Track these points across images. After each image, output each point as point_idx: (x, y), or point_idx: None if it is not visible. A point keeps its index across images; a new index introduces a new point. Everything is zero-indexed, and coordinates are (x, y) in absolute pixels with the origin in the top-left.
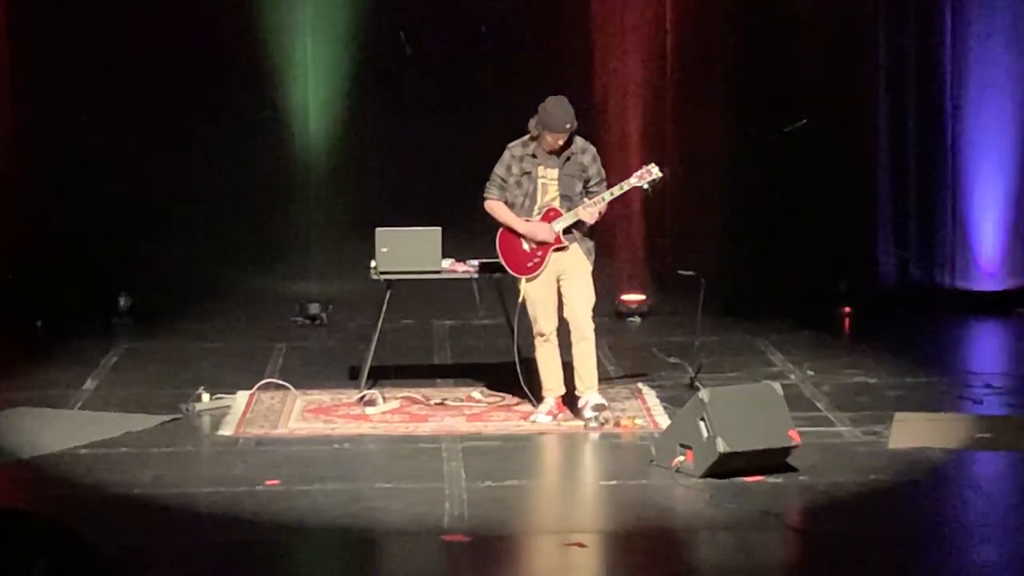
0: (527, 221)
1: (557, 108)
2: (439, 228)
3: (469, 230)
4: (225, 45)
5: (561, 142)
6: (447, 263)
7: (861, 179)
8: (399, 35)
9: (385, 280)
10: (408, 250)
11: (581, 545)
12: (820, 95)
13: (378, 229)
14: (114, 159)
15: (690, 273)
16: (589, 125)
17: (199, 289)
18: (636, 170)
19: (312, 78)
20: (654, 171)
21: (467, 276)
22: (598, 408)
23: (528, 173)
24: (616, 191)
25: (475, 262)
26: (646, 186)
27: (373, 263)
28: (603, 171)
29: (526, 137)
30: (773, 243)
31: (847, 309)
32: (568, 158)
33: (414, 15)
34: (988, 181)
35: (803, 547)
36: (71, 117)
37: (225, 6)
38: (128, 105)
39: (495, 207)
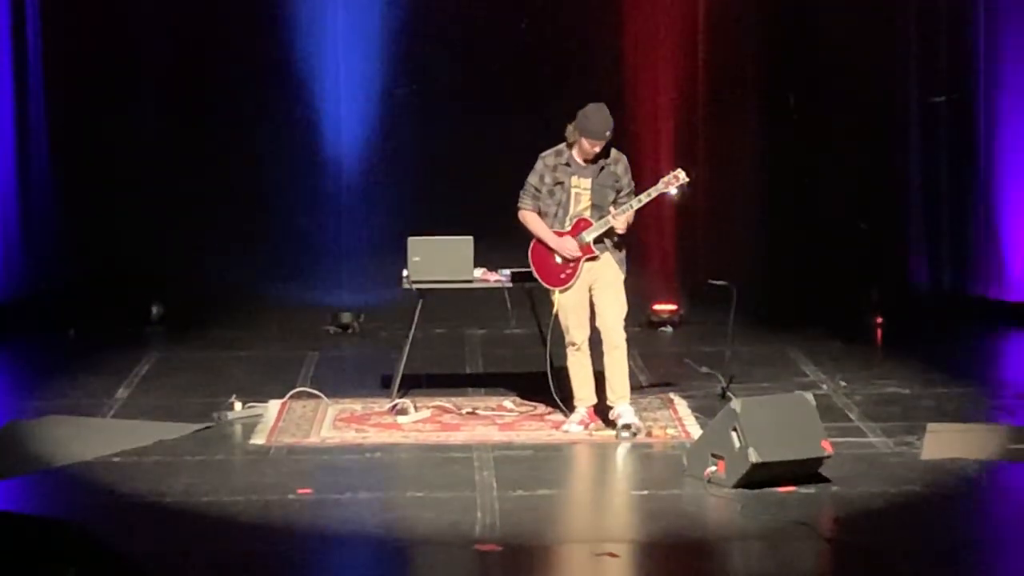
0: (558, 235)
1: (597, 115)
2: (471, 237)
3: (501, 239)
4: (258, 54)
5: (598, 149)
6: (479, 272)
7: (893, 188)
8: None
9: (417, 289)
10: (440, 259)
11: (613, 555)
12: (852, 103)
13: (410, 238)
14: (147, 168)
15: (722, 283)
16: (620, 136)
17: (231, 298)
18: (663, 176)
19: (344, 86)
20: (681, 176)
21: (499, 285)
22: (627, 428)
23: (561, 183)
24: (644, 198)
25: (507, 271)
26: (674, 191)
27: (405, 272)
28: (633, 183)
29: (560, 146)
30: (804, 253)
31: (879, 319)
32: (602, 168)
33: (446, 28)
34: (1021, 191)
35: (835, 558)
36: (103, 126)
37: (257, 13)
38: (160, 114)
39: (528, 217)
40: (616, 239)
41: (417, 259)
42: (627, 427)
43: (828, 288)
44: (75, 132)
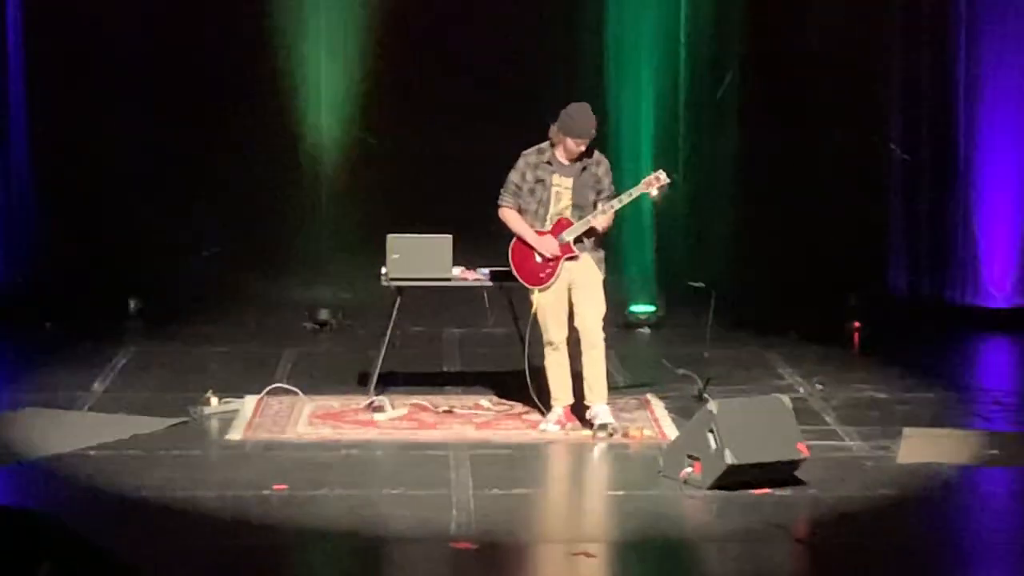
0: (538, 233)
1: (581, 114)
2: (450, 236)
3: (480, 238)
4: (238, 50)
5: (582, 148)
6: (457, 271)
7: (872, 194)
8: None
9: (395, 287)
10: (419, 257)
11: (588, 555)
12: (833, 108)
13: (389, 236)
14: (125, 163)
15: (700, 285)
16: (601, 140)
17: (209, 293)
18: (644, 177)
19: (325, 85)
20: (662, 177)
21: (477, 284)
22: (603, 427)
23: (542, 181)
24: (625, 198)
25: (485, 270)
26: (654, 193)
27: (384, 269)
28: (613, 186)
29: (543, 144)
30: (783, 257)
31: (857, 324)
32: (584, 168)
33: (427, 28)
34: (999, 198)
35: (810, 560)
36: (82, 121)
37: (237, 11)
38: (140, 111)
39: (508, 215)
40: (596, 240)
41: (396, 257)
42: (603, 427)
43: (806, 292)
44: (54, 127)
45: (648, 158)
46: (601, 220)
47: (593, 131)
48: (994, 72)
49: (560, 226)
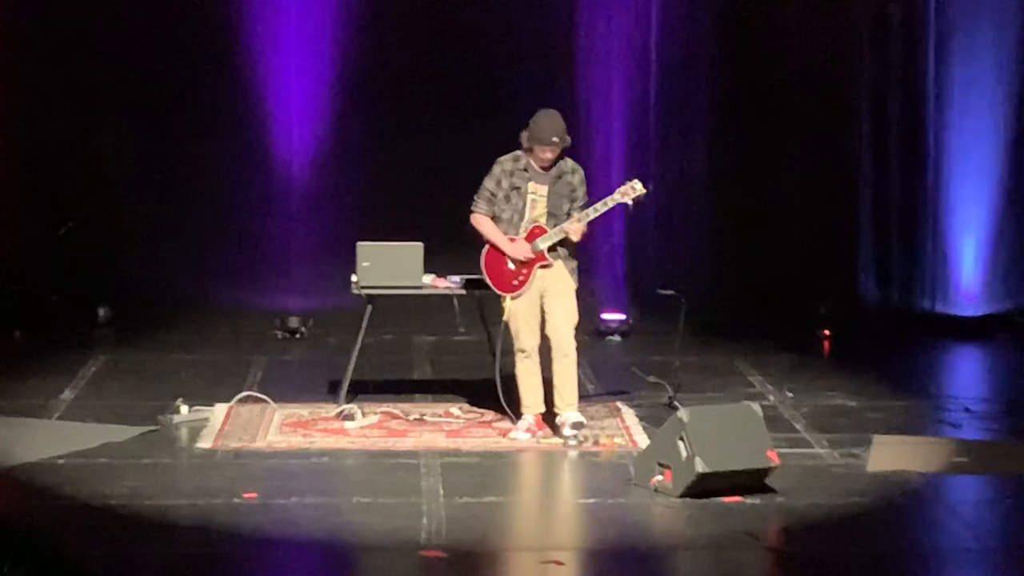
0: (510, 240)
1: (546, 121)
2: (420, 244)
3: (451, 246)
4: (209, 58)
5: (551, 155)
6: (428, 279)
7: (843, 203)
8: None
9: (366, 295)
10: (389, 265)
11: (558, 563)
12: (804, 116)
13: (359, 244)
14: (96, 171)
15: (670, 293)
16: (571, 146)
17: (179, 301)
18: (619, 187)
19: (296, 93)
20: (637, 187)
21: (448, 292)
22: (577, 426)
23: (517, 188)
24: (600, 207)
25: (456, 278)
26: (629, 202)
27: (354, 277)
28: (587, 196)
29: (518, 152)
30: (754, 264)
31: (827, 331)
32: (559, 176)
33: (398, 32)
34: (969, 206)
35: (781, 568)
36: (52, 129)
37: (212, 20)
38: (110, 118)
39: (482, 221)
40: (570, 249)
41: (366, 265)
42: (576, 425)
43: (777, 300)
44: (24, 134)
45: (619, 164)
46: (576, 229)
47: (558, 137)
48: (964, 80)
49: (534, 234)
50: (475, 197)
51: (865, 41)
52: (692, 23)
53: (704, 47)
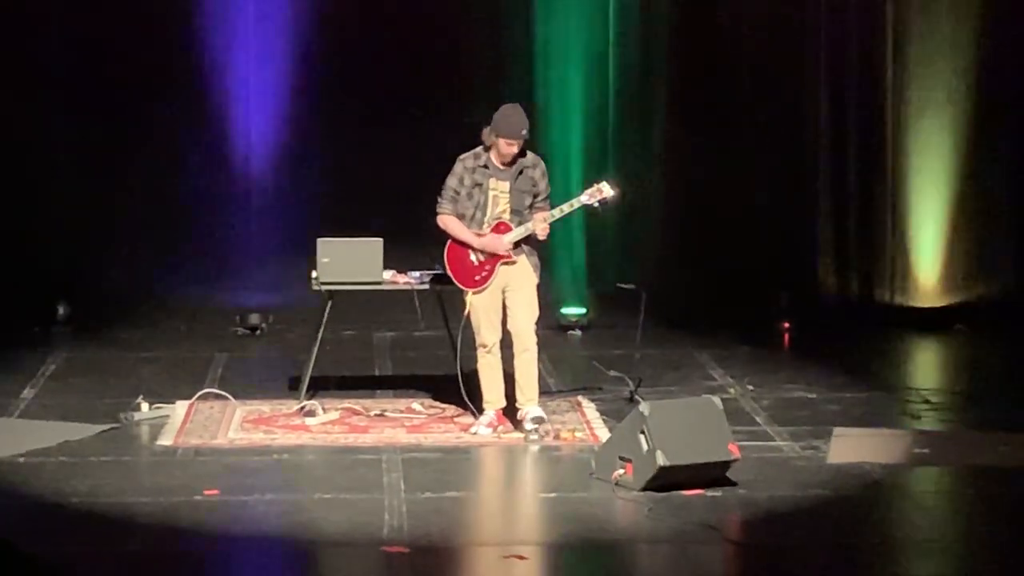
0: (480, 236)
1: (513, 115)
2: (380, 239)
3: (411, 241)
4: (166, 54)
5: (515, 149)
6: (388, 274)
7: (802, 195)
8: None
9: (326, 291)
10: (349, 261)
11: (521, 557)
12: (762, 111)
13: (319, 239)
14: (53, 168)
15: (630, 286)
16: (530, 143)
17: (138, 298)
18: (583, 185)
19: (254, 87)
20: (605, 189)
21: (408, 287)
22: (537, 421)
23: (479, 185)
24: (566, 208)
25: (416, 273)
26: (596, 204)
27: (314, 273)
28: (549, 187)
29: (478, 149)
30: (713, 257)
31: (787, 324)
32: (521, 171)
33: (357, 29)
34: (928, 198)
35: (742, 560)
36: (9, 125)
37: (166, 13)
38: (67, 113)
39: (449, 222)
40: (532, 245)
41: (326, 260)
42: (537, 419)
43: (736, 293)
44: None
45: (578, 158)
46: (543, 229)
47: (524, 132)
48: (922, 76)
49: (498, 230)
50: (439, 198)
51: (822, 34)
52: (649, 13)
53: (662, 43)
